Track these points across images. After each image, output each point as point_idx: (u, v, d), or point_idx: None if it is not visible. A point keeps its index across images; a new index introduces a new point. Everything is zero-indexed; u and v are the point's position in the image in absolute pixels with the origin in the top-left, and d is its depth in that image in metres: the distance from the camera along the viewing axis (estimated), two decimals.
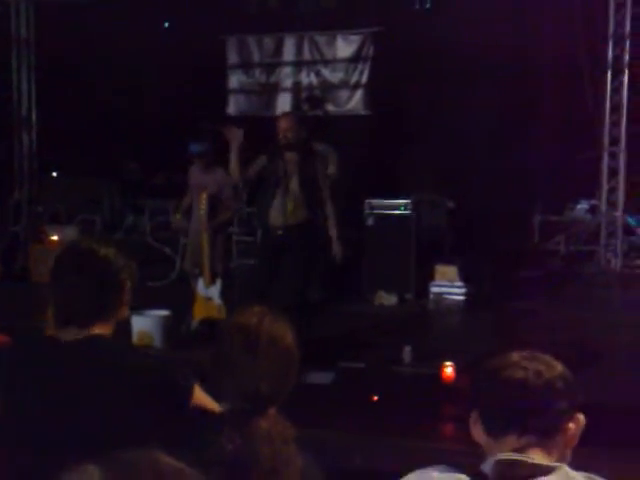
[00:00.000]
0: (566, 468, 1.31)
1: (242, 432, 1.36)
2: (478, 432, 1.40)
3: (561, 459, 1.34)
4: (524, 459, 1.30)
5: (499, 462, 1.31)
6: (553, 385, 1.33)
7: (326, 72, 9.62)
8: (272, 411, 1.46)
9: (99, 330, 1.68)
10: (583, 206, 9.14)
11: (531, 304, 6.51)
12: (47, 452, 1.43)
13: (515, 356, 1.39)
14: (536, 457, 1.31)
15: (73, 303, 1.66)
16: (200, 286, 5.50)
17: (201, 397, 1.66)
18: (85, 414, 1.53)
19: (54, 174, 10.17)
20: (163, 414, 1.54)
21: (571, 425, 1.35)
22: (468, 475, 1.31)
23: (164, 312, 5.43)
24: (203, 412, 1.61)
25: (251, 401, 1.43)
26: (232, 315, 1.60)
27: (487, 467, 1.32)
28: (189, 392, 1.63)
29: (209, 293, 5.49)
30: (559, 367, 1.37)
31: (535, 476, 1.28)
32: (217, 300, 5.48)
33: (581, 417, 1.36)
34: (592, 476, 1.32)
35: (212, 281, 5.46)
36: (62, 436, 1.49)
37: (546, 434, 1.33)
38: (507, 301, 6.58)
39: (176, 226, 6.40)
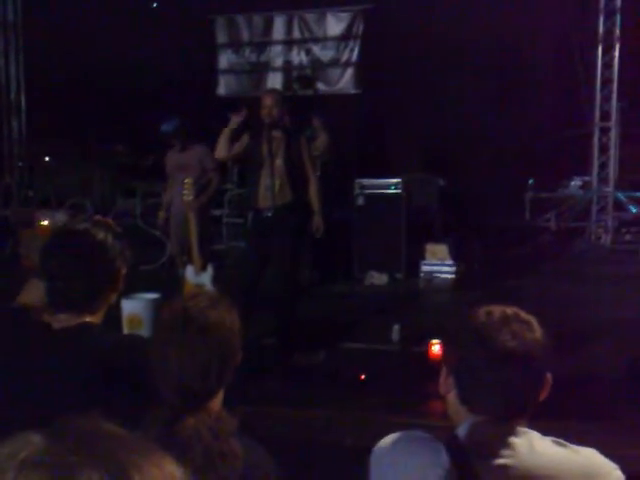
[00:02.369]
0: (534, 433, 1.34)
1: (170, 429, 1.32)
2: (449, 393, 1.40)
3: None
4: (496, 424, 1.32)
5: (472, 427, 1.33)
6: (534, 352, 1.32)
7: (317, 50, 9.55)
8: (211, 404, 1.41)
9: (90, 318, 1.65)
10: (576, 183, 9.14)
11: (521, 281, 6.54)
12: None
13: (497, 314, 1.36)
14: (509, 422, 1.32)
15: (66, 289, 1.61)
16: (190, 273, 5.39)
17: None
18: (65, 401, 1.52)
19: (47, 159, 10.12)
20: (128, 396, 1.53)
21: (544, 391, 1.37)
22: (443, 442, 1.33)
23: (154, 295, 5.41)
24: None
25: (179, 396, 1.38)
26: (166, 304, 1.47)
27: (461, 432, 1.34)
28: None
29: (201, 280, 5.40)
30: (536, 326, 1.36)
31: (506, 439, 1.30)
32: (209, 286, 5.37)
33: (549, 377, 1.37)
34: (560, 441, 1.34)
35: (203, 267, 5.37)
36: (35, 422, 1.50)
37: (522, 402, 1.35)
38: (498, 279, 6.61)
39: (161, 225, 6.22)
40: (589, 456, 1.34)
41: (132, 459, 0.52)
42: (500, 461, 1.29)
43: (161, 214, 6.05)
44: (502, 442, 1.30)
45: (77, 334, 1.62)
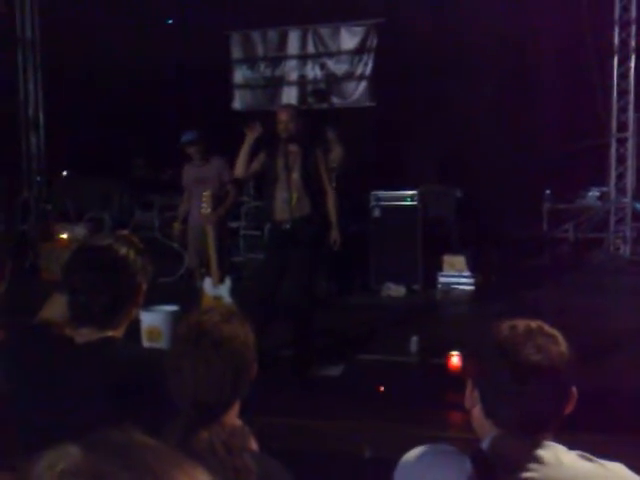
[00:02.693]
0: (560, 446, 1.33)
1: (184, 442, 1.32)
2: (475, 408, 1.40)
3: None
4: (521, 437, 1.31)
5: (498, 440, 1.32)
6: (559, 365, 1.32)
7: (331, 64, 9.61)
8: (225, 418, 1.41)
9: (112, 332, 1.66)
10: (594, 193, 9.09)
11: (540, 292, 6.49)
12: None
13: (521, 328, 1.35)
14: (534, 436, 1.32)
15: (88, 304, 1.62)
16: (208, 285, 5.40)
17: None
18: (89, 415, 1.52)
19: (64, 173, 10.23)
20: (149, 409, 1.52)
21: (569, 404, 1.36)
22: (469, 455, 1.32)
23: (173, 308, 5.43)
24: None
25: (194, 409, 1.38)
26: (183, 318, 1.49)
27: (486, 445, 1.33)
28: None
29: (219, 292, 5.40)
30: (561, 340, 1.36)
31: (531, 453, 1.29)
32: (227, 299, 5.36)
33: (574, 391, 1.36)
34: (586, 454, 1.33)
35: (221, 279, 5.36)
36: (61, 435, 1.50)
37: (548, 415, 1.34)
38: (516, 290, 6.57)
39: (178, 236, 6.24)
40: (616, 470, 1.32)
41: (165, 468, 0.53)
42: (526, 475, 1.28)
43: (176, 225, 6.09)
44: (528, 455, 1.29)
45: (99, 348, 1.62)
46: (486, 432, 1.37)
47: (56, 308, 1.78)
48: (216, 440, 1.33)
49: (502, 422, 1.34)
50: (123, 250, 1.65)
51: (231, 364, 1.42)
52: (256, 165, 4.78)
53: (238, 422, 1.46)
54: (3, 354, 1.68)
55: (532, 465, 1.28)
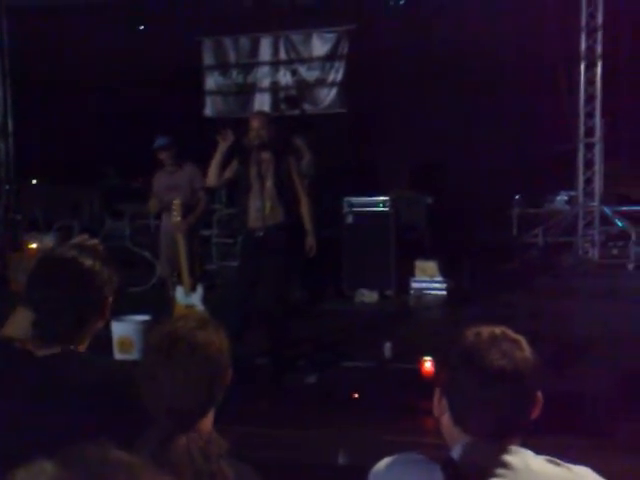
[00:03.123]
0: (528, 452, 1.34)
1: (161, 450, 1.32)
2: (443, 415, 1.41)
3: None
4: (490, 444, 1.33)
5: (467, 447, 1.34)
6: (524, 370, 1.33)
7: (303, 71, 9.63)
8: (201, 425, 1.41)
9: (76, 345, 1.64)
10: (562, 198, 9.24)
11: (511, 297, 6.57)
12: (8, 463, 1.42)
13: (485, 335, 1.37)
14: (502, 441, 1.33)
15: (52, 322, 1.59)
16: (180, 294, 5.38)
17: None
18: (50, 427, 1.49)
19: (34, 181, 10.09)
20: (120, 429, 1.50)
21: (535, 409, 1.38)
22: (439, 463, 1.33)
23: (145, 317, 5.39)
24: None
25: (169, 417, 1.38)
26: (156, 326, 1.48)
27: (456, 453, 1.35)
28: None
29: (191, 300, 5.36)
30: (525, 345, 1.38)
31: (500, 459, 1.30)
32: (200, 307, 5.33)
33: (540, 396, 1.38)
34: (553, 459, 1.35)
35: (193, 288, 5.34)
36: (23, 450, 1.48)
37: (515, 421, 1.36)
38: (487, 295, 6.64)
39: (151, 208, 6.19)
40: (582, 474, 1.34)
41: None
42: None
43: (152, 202, 5.98)
44: (497, 462, 1.31)
45: (62, 361, 1.59)
46: (455, 439, 1.38)
47: (20, 323, 1.73)
48: (193, 447, 1.33)
49: (470, 429, 1.35)
50: (88, 262, 1.61)
51: (206, 370, 1.41)
52: (228, 173, 4.77)
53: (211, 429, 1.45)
54: None
55: (501, 471, 1.30)
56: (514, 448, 1.33)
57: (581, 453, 1.42)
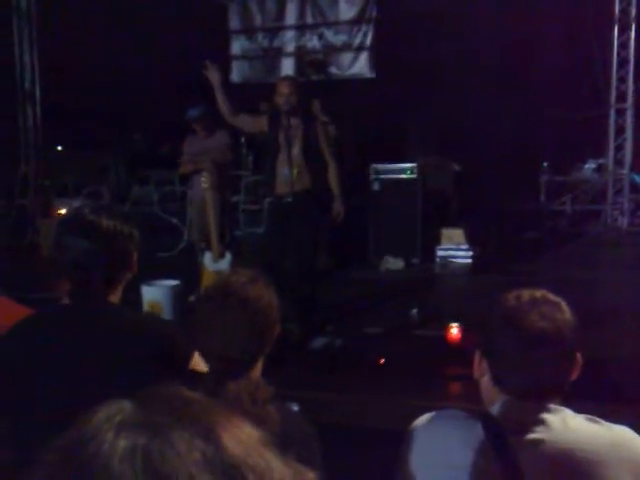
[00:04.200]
0: (567, 410, 1.37)
1: (212, 394, 1.39)
2: (483, 377, 1.44)
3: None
4: (529, 402, 1.35)
5: (507, 405, 1.37)
6: (565, 331, 1.36)
7: (329, 35, 9.51)
8: (251, 373, 1.51)
9: (110, 298, 1.73)
10: (590, 166, 9.10)
11: (537, 265, 6.54)
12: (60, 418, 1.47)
13: (526, 297, 1.39)
14: (541, 400, 1.36)
15: (83, 282, 1.67)
16: (208, 260, 5.43)
17: (198, 363, 1.70)
18: (98, 379, 1.57)
19: (59, 148, 10.19)
20: (165, 377, 1.56)
21: (575, 370, 1.40)
22: (477, 419, 1.36)
23: (174, 282, 5.46)
24: (196, 375, 1.64)
25: (222, 363, 1.48)
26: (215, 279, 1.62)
27: (495, 410, 1.38)
28: (189, 357, 1.68)
29: (219, 266, 5.42)
30: (565, 307, 1.40)
31: (539, 416, 1.33)
32: None
33: (579, 357, 1.40)
34: (593, 417, 1.37)
35: (222, 255, 5.38)
36: (73, 403, 1.53)
37: (554, 381, 1.38)
38: (514, 263, 6.61)
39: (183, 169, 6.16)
40: (622, 432, 1.36)
41: (216, 420, 0.56)
42: (534, 436, 1.32)
43: (182, 168, 6.02)
44: (536, 418, 1.34)
45: (100, 314, 1.69)
46: (495, 400, 1.41)
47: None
48: (243, 392, 1.42)
49: (511, 389, 1.38)
50: (110, 223, 1.69)
51: (256, 323, 1.52)
52: (252, 124, 4.77)
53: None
54: (21, 334, 1.71)
55: (540, 428, 1.32)
56: (553, 406, 1.36)
57: (608, 419, 1.44)
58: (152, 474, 0.50)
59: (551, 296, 1.41)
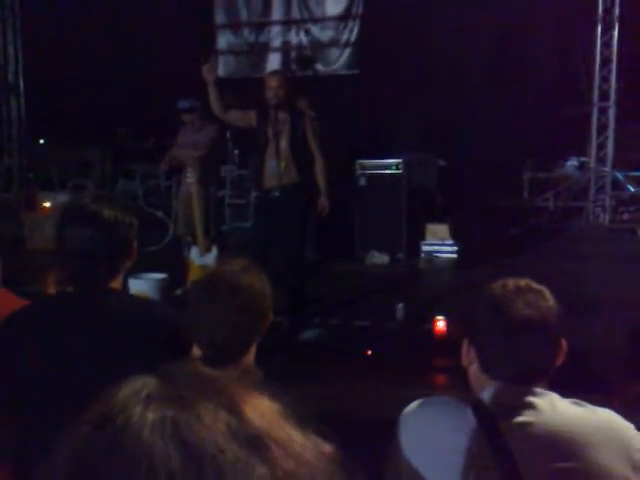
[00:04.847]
0: (554, 394, 1.41)
1: None
2: (472, 365, 1.48)
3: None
4: (517, 387, 1.40)
5: (495, 391, 1.41)
6: (549, 318, 1.40)
7: (315, 31, 9.54)
8: (242, 359, 1.53)
9: (113, 284, 1.76)
10: (573, 163, 9.21)
11: (521, 260, 6.62)
12: (60, 403, 1.49)
13: (511, 286, 1.44)
14: (528, 386, 1.40)
15: (87, 271, 1.70)
16: (194, 254, 5.43)
17: (196, 350, 1.73)
18: (108, 362, 1.58)
19: (41, 141, 10.11)
20: (169, 360, 1.58)
21: (560, 355, 1.45)
22: (468, 404, 1.40)
23: (161, 275, 5.46)
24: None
25: (212, 350, 1.50)
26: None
27: (484, 396, 1.42)
28: (191, 342, 1.71)
29: (205, 261, 5.42)
30: (549, 295, 1.45)
31: (527, 400, 1.37)
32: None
33: (564, 343, 1.45)
34: (578, 401, 1.42)
35: (208, 249, 5.39)
36: (75, 387, 1.54)
37: (541, 366, 1.43)
38: (498, 258, 6.68)
39: (164, 171, 6.35)
40: (607, 415, 1.41)
41: (238, 393, 0.59)
42: (524, 419, 1.36)
43: (163, 164, 6.08)
44: (524, 402, 1.38)
45: (104, 300, 1.71)
46: (484, 387, 1.44)
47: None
48: (230, 376, 1.42)
49: (499, 375, 1.42)
50: (110, 213, 1.72)
51: (247, 310, 1.53)
52: (241, 118, 4.79)
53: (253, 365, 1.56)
54: (18, 324, 1.71)
55: (528, 411, 1.36)
56: (540, 390, 1.40)
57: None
58: (181, 443, 0.53)
59: (535, 285, 1.46)
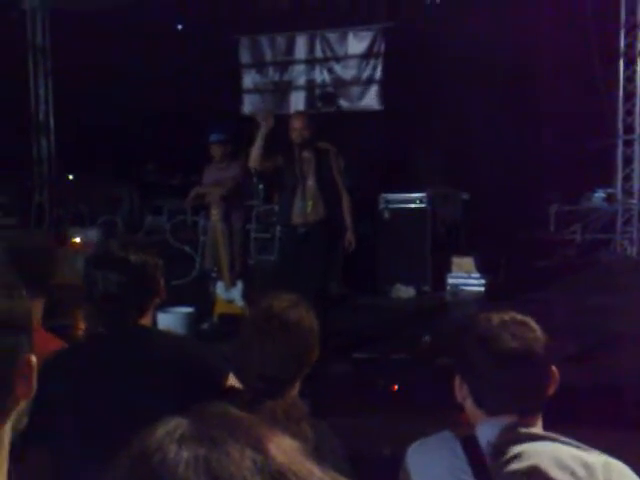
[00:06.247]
0: (550, 433, 1.39)
1: (248, 410, 1.44)
2: (466, 400, 1.48)
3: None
4: (515, 427, 1.39)
5: (486, 427, 1.41)
6: (536, 349, 1.41)
7: (338, 69, 9.70)
8: (288, 392, 1.57)
9: (143, 321, 1.83)
10: (600, 195, 9.14)
11: (549, 293, 6.55)
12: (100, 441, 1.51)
13: (496, 320, 1.45)
14: (526, 423, 1.40)
15: (118, 306, 1.77)
16: (220, 289, 5.49)
17: (233, 382, 1.76)
18: (139, 398, 1.63)
19: (70, 177, 10.34)
20: (203, 396, 1.62)
21: (552, 385, 1.45)
22: (458, 441, 1.41)
23: (189, 309, 5.52)
24: (233, 394, 1.70)
25: (261, 382, 1.55)
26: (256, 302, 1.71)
27: (478, 431, 1.42)
28: (225, 376, 1.74)
29: (231, 295, 5.47)
30: (534, 326, 1.46)
31: (526, 441, 1.35)
32: (240, 302, 5.43)
33: (555, 371, 1.45)
34: (570, 441, 1.39)
35: (233, 283, 5.43)
36: (115, 425, 1.56)
37: (531, 398, 1.43)
38: (525, 291, 6.62)
39: (187, 203, 6.50)
40: (598, 456, 1.34)
41: (263, 433, 0.63)
42: (512, 461, 1.32)
43: (186, 203, 6.27)
44: (516, 442, 1.35)
45: (136, 337, 1.79)
46: (479, 423, 1.45)
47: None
48: (278, 409, 1.48)
49: (491, 410, 1.43)
50: (137, 257, 1.79)
51: (295, 345, 1.58)
52: (271, 163, 4.85)
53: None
54: (63, 369, 1.76)
55: (519, 453, 1.33)
56: (535, 431, 1.38)
57: (617, 444, 1.45)
58: (213, 479, 0.58)
59: (519, 316, 1.47)
